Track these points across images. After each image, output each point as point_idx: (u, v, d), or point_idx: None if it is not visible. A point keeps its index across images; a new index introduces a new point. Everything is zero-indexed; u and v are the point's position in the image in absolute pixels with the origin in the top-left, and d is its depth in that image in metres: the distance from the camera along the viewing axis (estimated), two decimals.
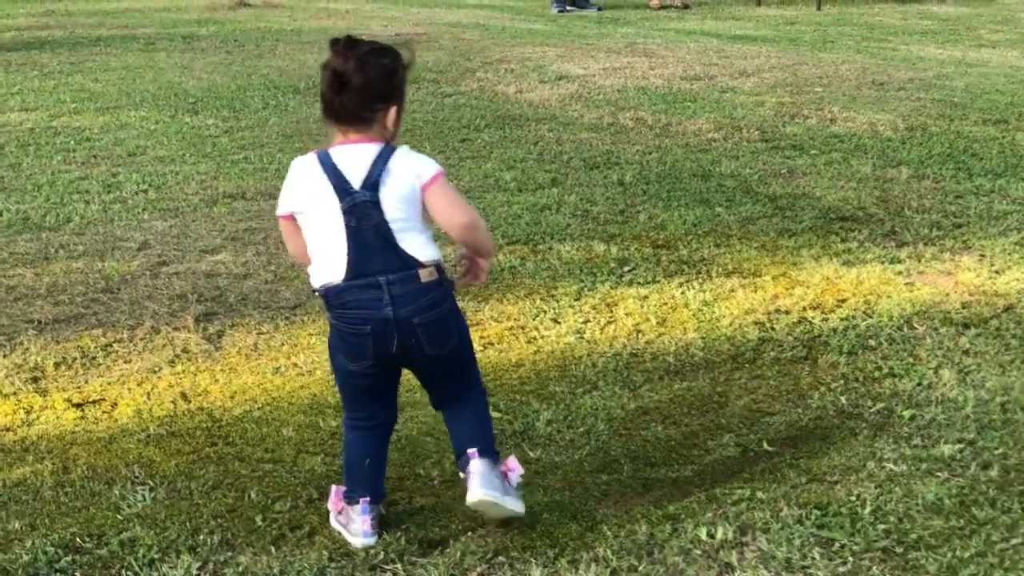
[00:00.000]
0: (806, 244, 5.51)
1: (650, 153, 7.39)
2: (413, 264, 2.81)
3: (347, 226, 2.80)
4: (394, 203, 2.80)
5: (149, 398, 3.86)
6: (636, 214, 6.01)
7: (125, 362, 4.14)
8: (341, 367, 2.95)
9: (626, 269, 5.12)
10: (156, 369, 4.08)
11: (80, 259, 5.25)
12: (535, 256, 5.29)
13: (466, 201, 3.00)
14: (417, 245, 2.83)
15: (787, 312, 4.63)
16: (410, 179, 2.82)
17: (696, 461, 3.45)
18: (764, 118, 8.50)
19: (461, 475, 3.01)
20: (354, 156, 2.82)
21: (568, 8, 16.07)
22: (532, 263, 5.19)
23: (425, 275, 2.82)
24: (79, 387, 3.94)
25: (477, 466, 2.93)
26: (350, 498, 3.00)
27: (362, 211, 2.79)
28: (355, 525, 2.97)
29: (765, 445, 3.53)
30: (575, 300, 4.75)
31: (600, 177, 6.75)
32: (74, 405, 3.81)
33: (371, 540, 2.95)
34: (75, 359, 4.16)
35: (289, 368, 4.11)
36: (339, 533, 3.00)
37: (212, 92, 9.44)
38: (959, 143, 7.70)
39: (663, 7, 16.67)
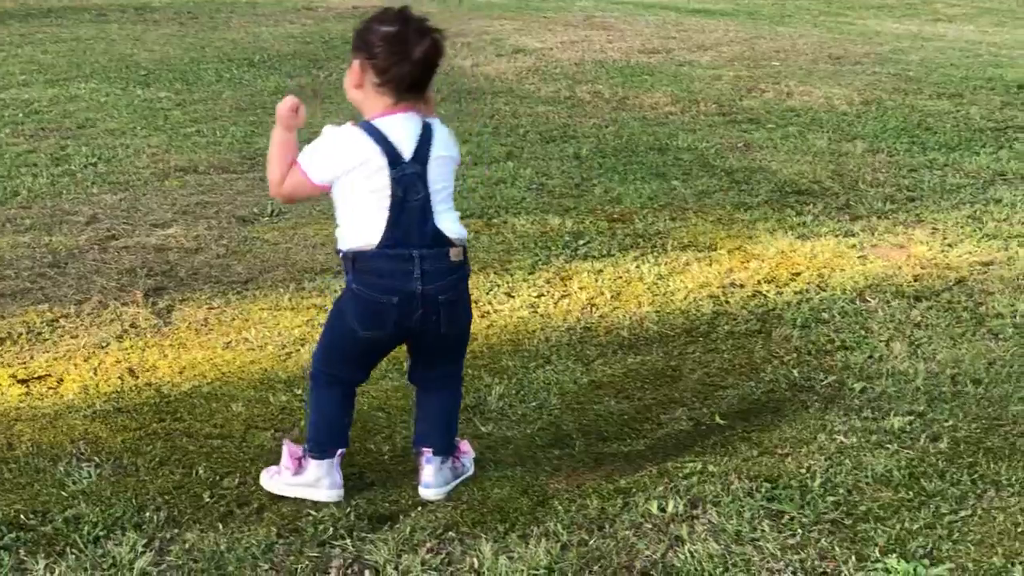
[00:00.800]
0: (761, 218, 5.52)
1: (606, 127, 7.37)
2: (445, 242, 2.86)
3: (392, 195, 2.81)
4: (437, 175, 2.86)
5: (96, 374, 3.80)
6: (592, 187, 5.99)
7: (72, 337, 4.08)
8: (348, 331, 2.94)
9: (581, 243, 5.10)
10: (103, 344, 4.02)
11: (27, 233, 5.16)
12: (489, 230, 5.26)
13: None
14: (450, 223, 2.88)
15: (742, 286, 4.64)
16: (452, 157, 2.93)
17: (648, 435, 3.45)
18: (721, 92, 8.50)
19: (414, 452, 3.11)
20: (401, 127, 2.83)
21: None
22: (487, 237, 5.16)
23: (455, 254, 2.88)
24: (24, 363, 3.87)
25: (429, 468, 3.05)
26: (323, 452, 3.00)
27: (411, 183, 2.82)
28: (328, 479, 2.99)
29: (717, 419, 3.53)
30: (529, 274, 4.73)
31: (556, 150, 6.73)
32: (19, 381, 3.74)
33: (342, 494, 3.00)
34: (20, 334, 4.08)
35: (240, 343, 4.06)
36: (297, 497, 2.98)
37: (164, 64, 9.30)
38: (914, 117, 7.75)
39: None
